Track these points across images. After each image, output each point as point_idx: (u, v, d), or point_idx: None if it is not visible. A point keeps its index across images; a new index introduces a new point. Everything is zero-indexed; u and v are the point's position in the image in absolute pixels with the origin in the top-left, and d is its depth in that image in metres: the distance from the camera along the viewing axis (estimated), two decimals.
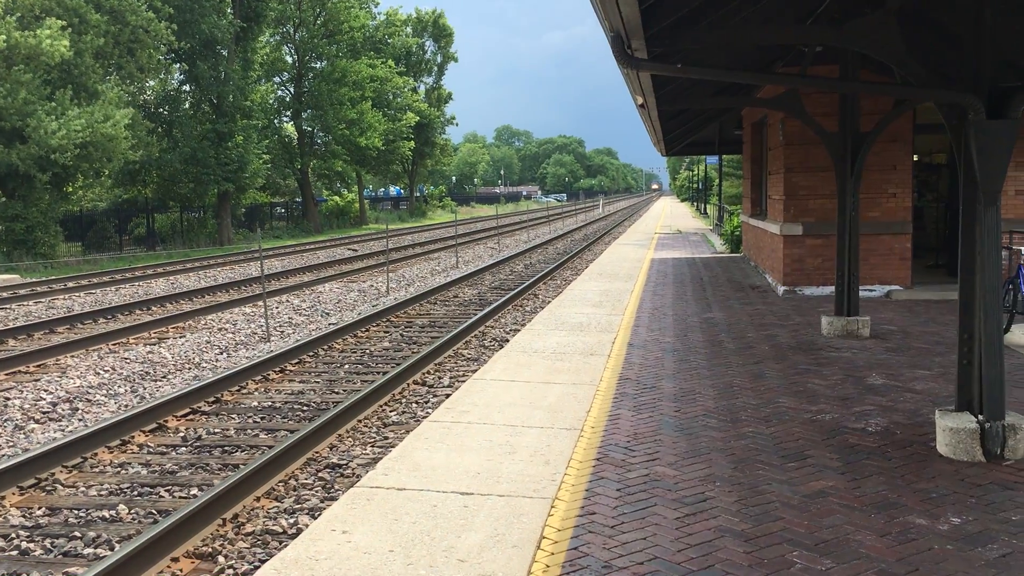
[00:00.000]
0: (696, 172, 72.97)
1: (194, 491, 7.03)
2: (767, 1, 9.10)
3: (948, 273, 15.16)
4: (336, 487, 7.08)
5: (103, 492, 7.08)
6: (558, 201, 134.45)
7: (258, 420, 9.16)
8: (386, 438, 8.40)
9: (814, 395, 7.73)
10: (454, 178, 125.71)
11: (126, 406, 10.01)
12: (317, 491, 7.01)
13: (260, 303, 18.00)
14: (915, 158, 15.35)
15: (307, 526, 5.93)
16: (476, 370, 10.23)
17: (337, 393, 10.21)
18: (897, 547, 4.51)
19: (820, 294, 14.21)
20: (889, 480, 5.52)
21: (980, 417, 5.99)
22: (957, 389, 6.27)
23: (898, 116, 10.26)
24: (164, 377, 11.58)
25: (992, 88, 5.92)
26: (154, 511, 6.60)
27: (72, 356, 12.89)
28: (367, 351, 12.73)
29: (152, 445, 8.34)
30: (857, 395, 7.69)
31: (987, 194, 5.93)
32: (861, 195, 11.11)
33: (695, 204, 73.72)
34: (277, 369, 11.35)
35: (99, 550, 5.93)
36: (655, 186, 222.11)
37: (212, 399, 9.87)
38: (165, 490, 7.07)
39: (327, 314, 16.86)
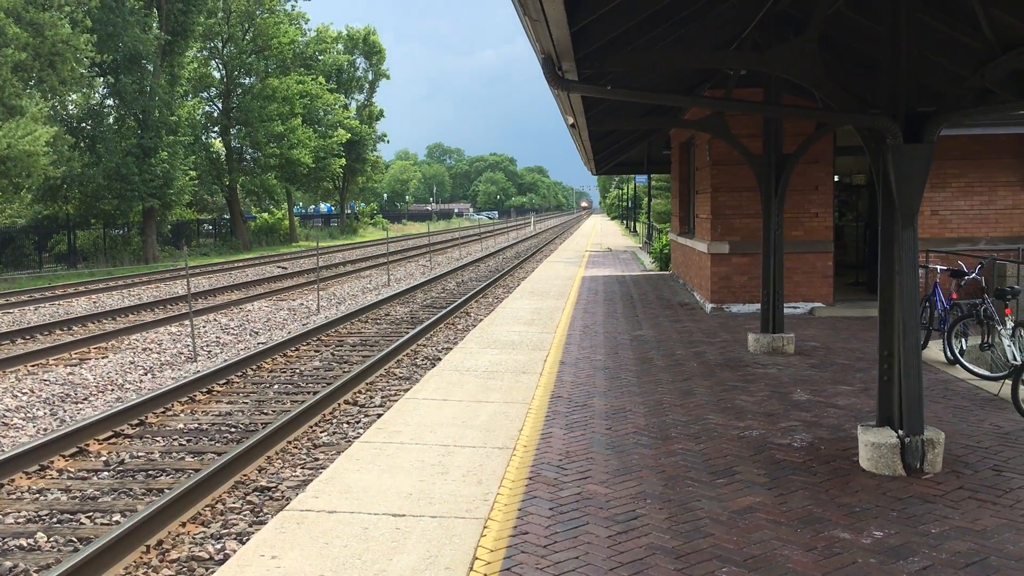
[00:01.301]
0: (626, 191, 73.90)
1: (116, 517, 6.82)
2: (694, 26, 9.30)
3: (869, 291, 15.62)
4: (265, 511, 6.95)
5: (20, 520, 6.83)
6: (490, 219, 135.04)
7: (184, 443, 8.94)
8: (316, 460, 8.28)
9: (741, 411, 7.87)
10: (386, 195, 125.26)
11: (45, 430, 9.69)
12: (245, 515, 6.87)
13: (187, 322, 17.61)
14: (836, 179, 15.81)
15: (235, 551, 5.80)
16: (408, 389, 10.16)
17: (266, 414, 10.03)
18: (823, 561, 4.61)
19: (747, 311, 14.49)
20: (814, 495, 5.64)
21: (900, 432, 6.16)
22: (878, 405, 6.45)
23: (820, 138, 10.54)
24: (85, 399, 11.23)
25: (909, 113, 6.14)
26: (74, 539, 6.39)
27: None
28: (297, 371, 12.55)
29: (72, 470, 8.08)
30: (783, 411, 7.86)
31: (904, 215, 6.13)
32: (785, 215, 11.39)
33: (625, 222, 74.60)
34: (204, 390, 11.11)
35: None
36: (585, 204, 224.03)
37: (136, 422, 9.61)
38: (86, 517, 6.85)
39: (256, 333, 16.59)
